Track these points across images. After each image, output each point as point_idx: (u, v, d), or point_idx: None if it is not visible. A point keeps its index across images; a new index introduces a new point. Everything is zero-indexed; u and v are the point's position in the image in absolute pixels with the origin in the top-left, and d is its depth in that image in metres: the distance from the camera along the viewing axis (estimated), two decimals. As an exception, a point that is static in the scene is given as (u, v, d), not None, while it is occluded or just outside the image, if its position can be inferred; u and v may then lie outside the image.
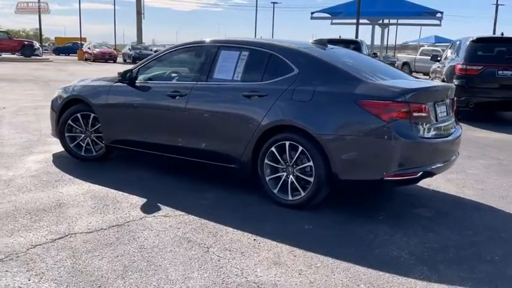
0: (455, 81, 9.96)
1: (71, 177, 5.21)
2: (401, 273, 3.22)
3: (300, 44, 5.00)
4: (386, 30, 39.97)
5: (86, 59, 40.90)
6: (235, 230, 3.89)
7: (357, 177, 4.21)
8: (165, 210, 4.30)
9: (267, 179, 4.56)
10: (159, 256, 3.36)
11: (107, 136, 5.67)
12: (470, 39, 10.57)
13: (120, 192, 4.72)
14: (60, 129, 5.94)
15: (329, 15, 38.71)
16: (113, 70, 20.06)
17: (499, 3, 55.77)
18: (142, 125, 5.41)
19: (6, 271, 3.05)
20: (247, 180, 4.84)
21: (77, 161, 5.87)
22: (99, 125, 5.70)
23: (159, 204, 4.42)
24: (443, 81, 10.79)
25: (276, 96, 4.47)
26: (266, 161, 4.54)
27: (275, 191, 4.51)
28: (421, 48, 34.92)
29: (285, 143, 4.41)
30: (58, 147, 6.20)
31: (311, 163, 4.27)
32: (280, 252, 3.50)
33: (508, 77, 10.04)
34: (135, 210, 4.28)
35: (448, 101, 4.75)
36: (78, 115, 5.87)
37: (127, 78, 5.44)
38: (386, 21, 39.28)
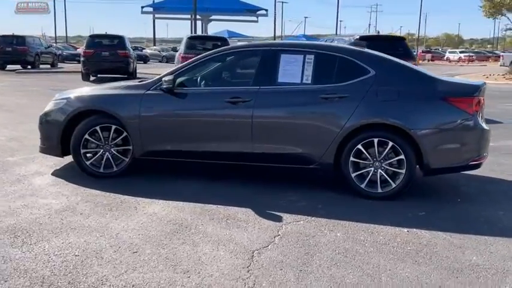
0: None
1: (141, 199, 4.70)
2: None
3: (350, 46, 5.32)
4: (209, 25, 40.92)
5: None
6: (379, 225, 4.10)
7: (447, 164, 4.76)
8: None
9: (353, 175, 4.80)
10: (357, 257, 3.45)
11: (140, 148, 5.20)
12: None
13: (243, 209, 4.44)
14: (74, 145, 5.24)
15: (153, 10, 38.29)
16: None
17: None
18: (192, 133, 5.13)
19: None
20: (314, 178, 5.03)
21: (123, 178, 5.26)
22: (121, 137, 5.24)
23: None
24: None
25: (360, 96, 4.74)
26: (351, 158, 4.78)
27: (362, 186, 4.79)
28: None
29: (373, 140, 4.71)
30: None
31: (402, 156, 4.66)
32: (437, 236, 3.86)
33: None
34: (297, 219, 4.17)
35: None
36: (98, 128, 5.25)
37: (168, 85, 5.05)
38: (216, 17, 40.26)
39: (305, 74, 4.96)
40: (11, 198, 4.59)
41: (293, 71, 4.98)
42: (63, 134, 5.32)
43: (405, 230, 4.02)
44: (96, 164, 5.31)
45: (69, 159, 5.52)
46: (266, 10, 37.66)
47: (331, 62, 4.99)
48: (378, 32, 13.42)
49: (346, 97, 4.78)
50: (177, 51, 16.70)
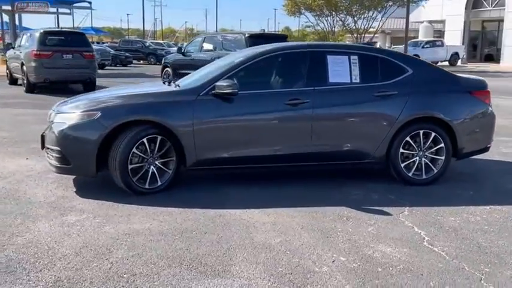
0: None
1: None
2: None
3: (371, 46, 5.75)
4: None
5: None
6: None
7: (474, 148, 5.54)
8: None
9: (402, 165, 5.28)
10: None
11: (193, 157, 4.87)
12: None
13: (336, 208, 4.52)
14: (122, 161, 4.65)
15: None
16: None
17: None
18: (251, 138, 4.99)
19: None
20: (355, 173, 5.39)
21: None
22: (166, 148, 4.85)
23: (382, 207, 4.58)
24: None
25: (406, 93, 5.23)
26: (401, 150, 5.25)
27: (410, 174, 5.31)
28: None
29: (419, 132, 5.25)
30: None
31: (442, 144, 5.30)
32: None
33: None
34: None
35: None
36: (145, 140, 4.74)
37: (232, 89, 4.81)
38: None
39: (353, 73, 5.23)
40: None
41: (342, 71, 5.21)
42: (101, 149, 4.68)
43: (487, 207, 4.66)
44: (142, 180, 4.80)
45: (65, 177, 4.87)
46: (90, 3, 35.13)
47: (374, 62, 5.35)
48: (263, 30, 13.99)
49: (395, 94, 5.21)
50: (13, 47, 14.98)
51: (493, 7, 38.36)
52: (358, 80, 5.23)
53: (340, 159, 5.23)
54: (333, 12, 34.73)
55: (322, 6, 33.50)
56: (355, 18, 35.10)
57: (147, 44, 41.44)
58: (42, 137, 5.15)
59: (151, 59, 38.19)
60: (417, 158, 5.30)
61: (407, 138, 5.23)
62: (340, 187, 5.19)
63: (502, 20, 37.33)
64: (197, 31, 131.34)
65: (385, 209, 4.54)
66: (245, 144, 4.99)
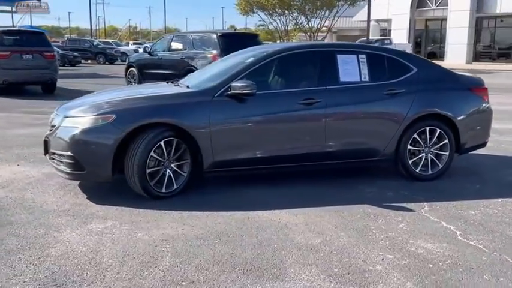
0: None
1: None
2: None
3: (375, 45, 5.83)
4: None
5: None
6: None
7: (474, 143, 5.73)
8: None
9: (410, 162, 5.40)
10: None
11: (210, 159, 4.79)
12: None
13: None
14: (140, 165, 4.50)
15: None
16: None
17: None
18: (267, 138, 4.96)
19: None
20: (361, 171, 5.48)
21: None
22: (181, 150, 4.73)
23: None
24: None
25: (413, 90, 5.35)
26: (409, 146, 5.37)
27: (417, 170, 5.44)
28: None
29: (425, 129, 5.39)
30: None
31: (446, 140, 5.46)
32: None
33: None
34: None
35: None
36: (162, 143, 4.62)
37: (250, 90, 4.75)
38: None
39: (362, 72, 5.30)
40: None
41: (351, 70, 5.26)
42: (118, 153, 4.52)
43: (499, 200, 4.83)
44: (159, 184, 4.68)
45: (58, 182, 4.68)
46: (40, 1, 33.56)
47: (381, 61, 5.44)
48: (235, 29, 13.88)
49: (403, 92, 5.31)
50: None
51: (437, 6, 39.87)
52: (367, 79, 5.30)
53: (352, 157, 5.29)
54: (286, 11, 34.98)
55: (275, 5, 33.66)
56: (308, 17, 35.51)
57: (95, 43, 40.30)
58: (46, 142, 4.92)
59: (100, 59, 37.22)
60: (423, 154, 5.43)
61: (415, 135, 5.36)
62: (352, 185, 5.24)
63: (445, 19, 38.89)
64: (141, 30, 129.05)
65: (405, 205, 4.63)
66: (261, 144, 4.96)
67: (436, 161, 5.47)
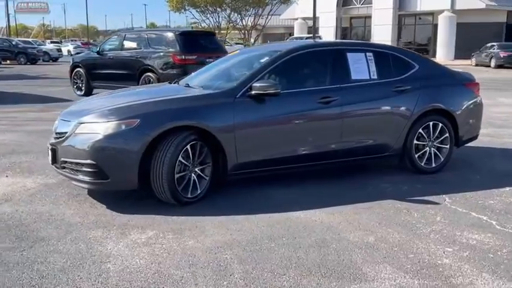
0: None
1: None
2: None
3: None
4: None
5: None
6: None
7: (469, 136, 6.00)
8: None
9: (416, 156, 5.58)
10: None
11: (235, 162, 4.68)
12: None
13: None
14: (169, 171, 4.31)
15: None
16: None
17: None
18: (289, 138, 4.94)
19: None
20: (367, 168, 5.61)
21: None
22: (204, 153, 4.59)
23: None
24: None
25: (417, 87, 5.52)
26: (415, 141, 5.55)
27: (422, 164, 5.63)
28: None
29: (429, 124, 5.58)
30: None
31: (447, 134, 5.70)
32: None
33: None
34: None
35: None
36: (188, 147, 4.45)
37: (274, 89, 4.69)
38: None
39: (371, 70, 5.39)
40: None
41: (361, 68, 5.34)
42: (144, 158, 4.30)
43: (507, 189, 5.11)
44: (185, 189, 4.51)
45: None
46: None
47: (386, 59, 5.56)
48: (192, 28, 13.57)
49: (409, 88, 5.46)
50: None
51: (361, 5, 41.38)
52: (376, 76, 5.40)
53: (365, 154, 5.38)
54: (218, 9, 34.84)
55: (207, 2, 33.42)
56: (242, 15, 35.58)
57: (15, 43, 37.97)
58: (54, 150, 4.59)
59: (21, 59, 35.10)
60: (427, 148, 5.63)
61: (420, 130, 5.53)
62: (366, 182, 5.31)
63: (369, 17, 40.47)
64: (54, 28, 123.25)
65: (426, 198, 4.77)
66: (283, 144, 4.92)
67: (439, 154, 5.68)
